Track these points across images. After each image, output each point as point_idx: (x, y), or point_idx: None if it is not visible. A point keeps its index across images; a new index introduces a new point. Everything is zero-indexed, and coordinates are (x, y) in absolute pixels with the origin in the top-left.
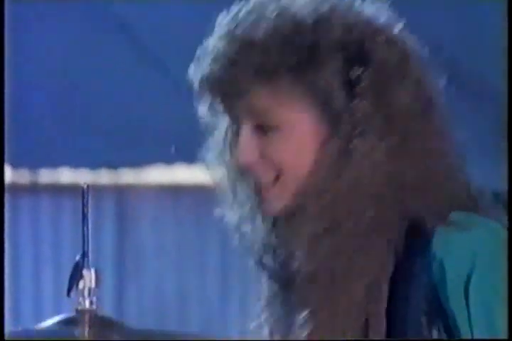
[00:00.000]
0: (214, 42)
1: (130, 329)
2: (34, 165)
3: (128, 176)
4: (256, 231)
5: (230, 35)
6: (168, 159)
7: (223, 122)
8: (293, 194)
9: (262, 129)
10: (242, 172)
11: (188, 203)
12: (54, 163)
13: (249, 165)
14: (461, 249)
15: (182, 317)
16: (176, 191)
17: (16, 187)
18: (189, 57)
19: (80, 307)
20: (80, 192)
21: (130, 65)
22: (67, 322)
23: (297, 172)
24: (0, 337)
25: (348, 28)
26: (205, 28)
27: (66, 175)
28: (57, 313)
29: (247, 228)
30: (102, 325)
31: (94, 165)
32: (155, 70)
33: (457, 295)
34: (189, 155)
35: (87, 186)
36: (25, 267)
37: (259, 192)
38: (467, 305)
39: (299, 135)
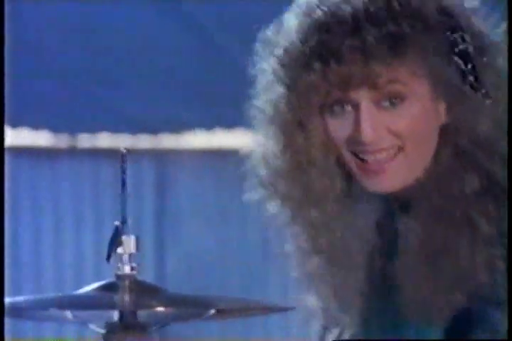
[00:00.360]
0: (330, 12)
1: (170, 294)
2: (73, 130)
3: (168, 141)
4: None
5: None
6: (209, 123)
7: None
8: (415, 166)
9: (382, 104)
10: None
11: (228, 168)
12: (93, 128)
13: (376, 141)
14: None
15: (222, 281)
16: (215, 156)
17: (56, 152)
18: (228, 17)
19: (119, 273)
20: (119, 157)
21: (171, 27)
22: (107, 288)
23: (420, 143)
24: (0, 337)
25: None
26: None
27: (105, 140)
28: (98, 279)
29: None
30: (141, 290)
31: (133, 129)
32: (196, 33)
33: None
34: (229, 120)
35: (127, 151)
36: (66, 232)
37: (367, 171)
38: None
39: (422, 107)
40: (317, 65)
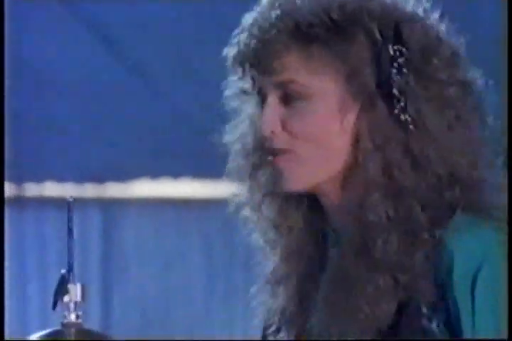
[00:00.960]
0: (252, 16)
1: None
2: (19, 179)
3: (114, 190)
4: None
5: (269, 5)
6: (154, 173)
7: (249, 108)
8: (311, 169)
9: (288, 99)
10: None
11: (172, 216)
12: (39, 176)
13: (271, 136)
14: (473, 244)
15: (168, 328)
16: (160, 205)
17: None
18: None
19: (65, 321)
20: (65, 206)
21: (115, 75)
22: (53, 336)
23: (317, 147)
24: (0, 338)
25: (385, 10)
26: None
27: (51, 189)
28: (44, 327)
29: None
30: (87, 338)
31: (79, 178)
32: (143, 81)
33: (464, 288)
34: (175, 170)
35: (73, 200)
36: (11, 280)
37: (276, 169)
38: (472, 299)
39: (326, 106)
40: (239, 42)
